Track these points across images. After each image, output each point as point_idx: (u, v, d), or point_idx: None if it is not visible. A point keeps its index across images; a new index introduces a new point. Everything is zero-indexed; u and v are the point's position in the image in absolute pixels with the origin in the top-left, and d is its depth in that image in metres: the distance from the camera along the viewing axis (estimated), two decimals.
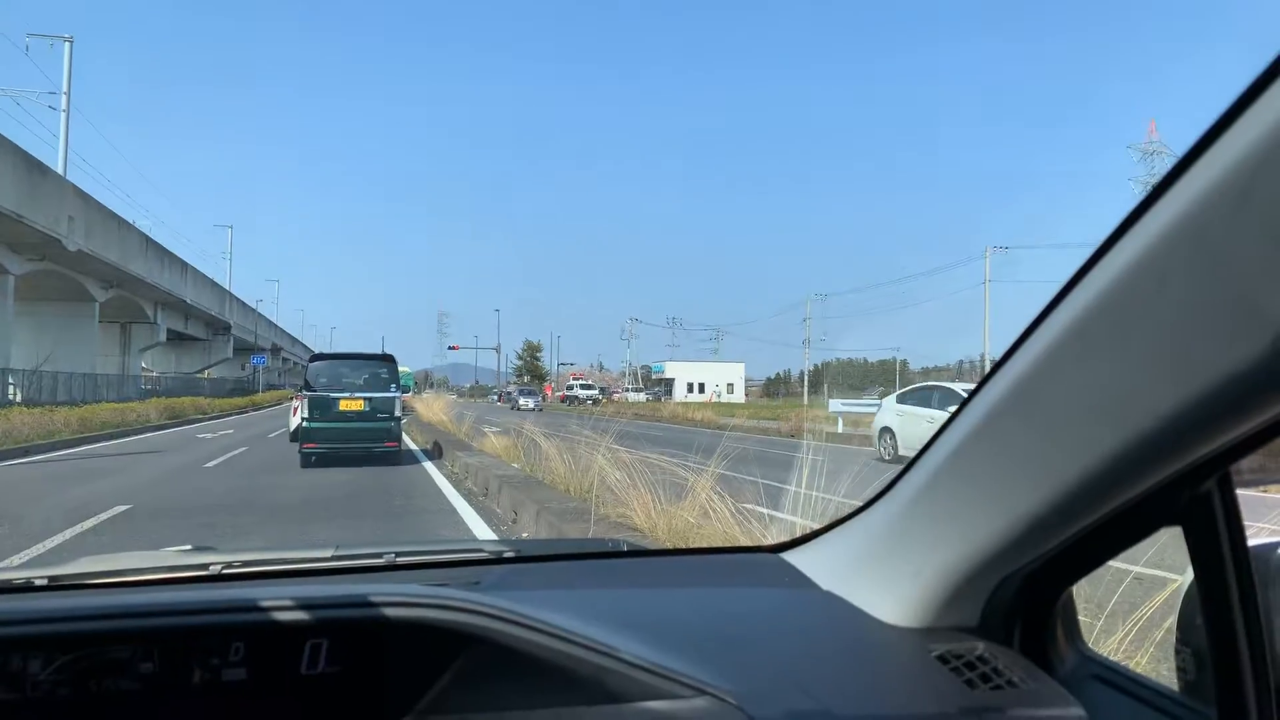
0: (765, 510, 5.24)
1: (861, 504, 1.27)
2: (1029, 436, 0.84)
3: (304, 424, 12.79)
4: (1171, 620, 2.54)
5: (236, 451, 15.91)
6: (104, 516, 7.80)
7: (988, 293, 46.80)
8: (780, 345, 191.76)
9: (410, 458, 14.36)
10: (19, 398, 25.55)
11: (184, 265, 42.77)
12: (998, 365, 0.87)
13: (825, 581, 1.28)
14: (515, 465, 10.57)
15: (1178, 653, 0.89)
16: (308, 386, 13.04)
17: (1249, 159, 0.55)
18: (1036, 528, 0.88)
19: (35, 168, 24.19)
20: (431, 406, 28.55)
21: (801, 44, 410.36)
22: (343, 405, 12.77)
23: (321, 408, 12.69)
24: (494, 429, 16.08)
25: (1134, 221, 0.66)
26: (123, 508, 8.30)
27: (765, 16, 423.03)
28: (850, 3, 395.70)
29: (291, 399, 26.34)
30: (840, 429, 21.23)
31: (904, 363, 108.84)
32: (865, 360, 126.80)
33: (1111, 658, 1.25)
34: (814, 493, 4.76)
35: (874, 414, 22.68)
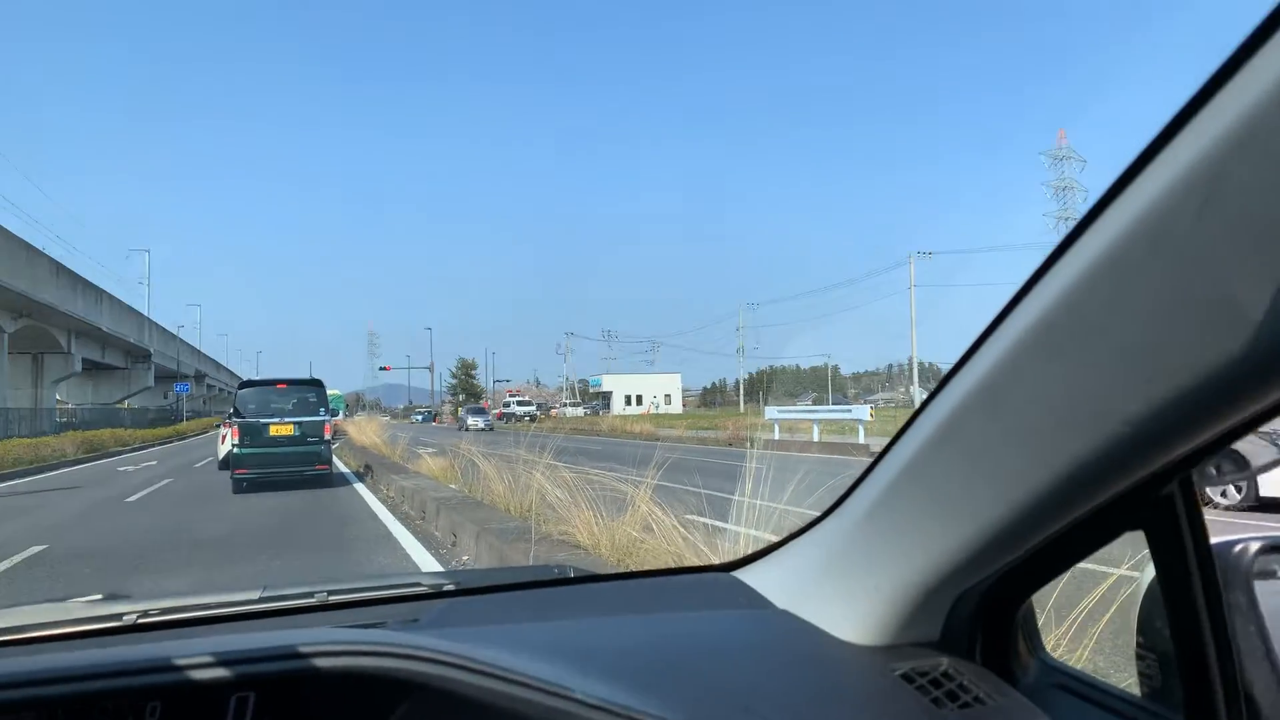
0: (709, 521, 5.23)
1: (818, 515, 1.22)
2: (990, 443, 0.80)
3: (235, 450, 13.00)
4: (1109, 616, 2.58)
5: (161, 484, 15.31)
6: (18, 559, 7.40)
7: (913, 297, 48.01)
8: (715, 355, 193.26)
9: (343, 482, 14.04)
10: None
11: (99, 292, 41.11)
12: (955, 369, 0.83)
13: (781, 600, 1.24)
14: (453, 486, 10.39)
15: (1140, 658, 0.88)
16: (237, 413, 13.23)
17: (1213, 152, 0.54)
18: (1000, 538, 0.85)
19: None
20: (364, 429, 27.98)
21: (731, 55, 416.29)
22: (273, 430, 13.03)
23: (252, 433, 12.93)
24: (429, 450, 15.94)
25: (1095, 218, 0.64)
26: (37, 549, 7.89)
27: (693, 23, 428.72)
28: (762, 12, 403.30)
29: (218, 426, 25.83)
30: (777, 435, 21.43)
31: (836, 368, 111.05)
32: (798, 367, 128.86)
33: (1054, 655, 1.26)
34: (758, 501, 4.75)
35: (808, 420, 23.12)
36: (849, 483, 1.13)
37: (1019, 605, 1.01)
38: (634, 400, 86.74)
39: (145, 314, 53.98)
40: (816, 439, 21.44)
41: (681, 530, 5.04)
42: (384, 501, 11.07)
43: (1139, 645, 0.88)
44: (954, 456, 0.86)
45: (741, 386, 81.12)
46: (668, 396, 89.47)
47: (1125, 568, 2.30)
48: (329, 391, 14.47)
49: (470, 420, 45.71)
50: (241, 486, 12.98)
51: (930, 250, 49.74)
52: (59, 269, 34.32)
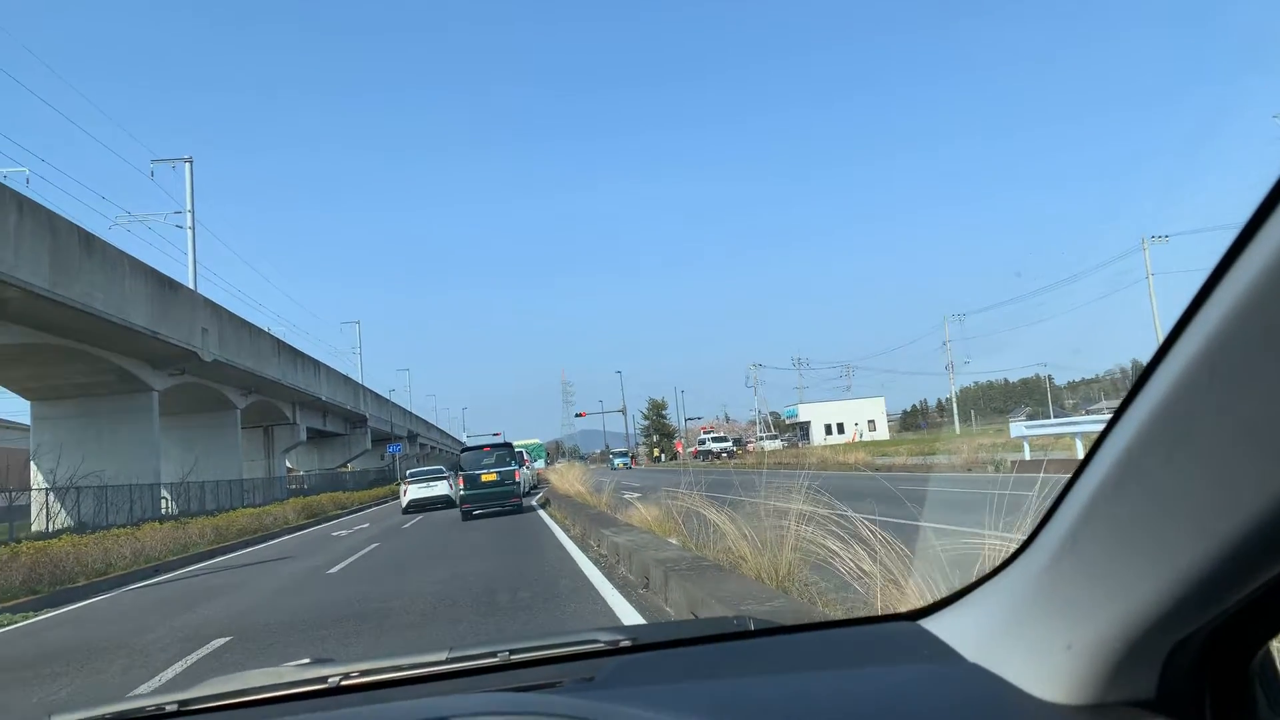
0: None
1: (1011, 552, 1.05)
2: (1179, 474, 0.69)
3: (461, 492, 20.01)
4: None
5: (366, 550, 14.77)
6: (198, 655, 6.44)
7: (1151, 287, 42.40)
8: (916, 375, 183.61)
9: (553, 541, 12.87)
10: (175, 510, 25.64)
11: (317, 364, 43.63)
12: (1141, 380, 0.71)
13: (971, 652, 1.10)
14: (673, 541, 8.73)
15: None
16: (460, 468, 20.41)
17: None
18: (1212, 579, 0.70)
19: (167, 285, 24.57)
20: (565, 476, 27.45)
21: (911, 59, 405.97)
22: (483, 478, 19.70)
23: (471, 481, 19.71)
24: (634, 494, 15.69)
25: None
26: (221, 641, 6.94)
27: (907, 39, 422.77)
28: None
29: (398, 484, 29.35)
30: (1028, 455, 18.52)
31: (1050, 378, 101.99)
32: (1006, 381, 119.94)
33: None
34: None
35: (1068, 435, 19.77)
36: None
37: (1254, 653, 0.84)
38: (834, 429, 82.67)
39: (359, 381, 57.17)
40: (1080, 455, 18.29)
41: None
42: (596, 561, 9.59)
43: None
44: (1136, 492, 0.75)
45: (956, 405, 74.87)
46: (871, 423, 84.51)
47: None
48: (532, 441, 20.80)
49: None
50: (468, 517, 19.41)
51: (1165, 234, 43.68)
52: (280, 345, 36.55)
